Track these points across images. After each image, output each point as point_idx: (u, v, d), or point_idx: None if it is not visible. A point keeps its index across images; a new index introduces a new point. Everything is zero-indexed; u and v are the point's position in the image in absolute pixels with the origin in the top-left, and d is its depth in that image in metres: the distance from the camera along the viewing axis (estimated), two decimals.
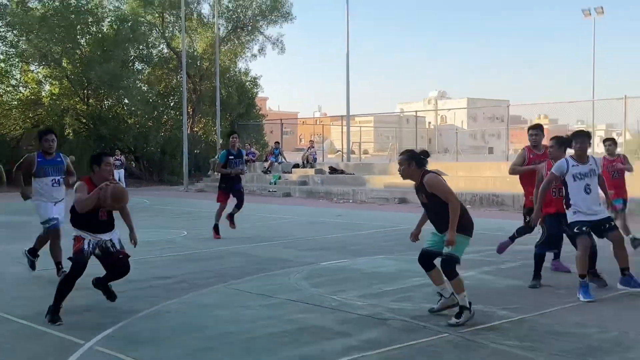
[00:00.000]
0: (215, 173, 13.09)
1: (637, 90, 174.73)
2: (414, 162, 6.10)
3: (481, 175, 21.70)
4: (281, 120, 37.19)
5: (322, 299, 6.95)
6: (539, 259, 7.58)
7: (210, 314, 6.46)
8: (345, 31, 31.76)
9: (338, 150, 41.18)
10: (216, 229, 12.09)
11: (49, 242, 8.16)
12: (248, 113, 39.05)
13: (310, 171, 28.23)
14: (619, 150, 13.10)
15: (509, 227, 13.71)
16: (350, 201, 22.48)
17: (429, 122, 70.18)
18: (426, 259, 6.22)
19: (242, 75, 40.44)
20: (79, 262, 6.19)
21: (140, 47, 36.49)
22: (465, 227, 5.99)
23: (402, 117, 63.06)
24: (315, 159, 30.48)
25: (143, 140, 35.42)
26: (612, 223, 7.05)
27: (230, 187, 12.13)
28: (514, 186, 20.00)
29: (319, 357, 5.06)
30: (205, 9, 39.45)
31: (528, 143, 8.77)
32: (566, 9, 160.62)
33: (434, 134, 58.40)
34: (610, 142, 10.55)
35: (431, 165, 22.62)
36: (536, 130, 8.69)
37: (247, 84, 40.15)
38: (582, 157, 7.00)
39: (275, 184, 27.39)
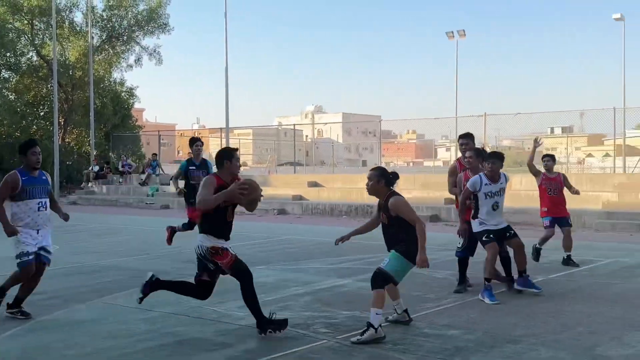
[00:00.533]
0: (171, 184, 11.18)
1: (495, 107, 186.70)
2: (383, 180, 6.09)
3: (356, 187, 22.35)
4: (158, 131, 36.45)
5: (201, 311, 6.92)
6: (460, 263, 8.01)
7: (86, 330, 6.26)
8: (224, 44, 31.69)
9: None
10: (172, 232, 10.90)
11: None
12: (124, 124, 37.88)
13: None
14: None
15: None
16: None
17: (306, 135, 71.16)
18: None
19: (118, 85, 39.18)
20: (247, 270, 5.94)
21: (8, 54, 34.60)
22: (413, 257, 5.93)
23: (280, 130, 63.60)
24: None
25: (10, 151, 33.43)
26: (513, 231, 7.67)
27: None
28: None
29: None
30: (78, 17, 37.69)
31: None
32: (431, 31, 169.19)
33: (311, 147, 59.37)
34: (548, 159, 10.16)
35: (308, 177, 23.08)
36: (466, 139, 8.43)
37: (123, 94, 38.95)
38: (494, 177, 7.53)
39: (152, 196, 26.76)
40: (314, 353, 5.43)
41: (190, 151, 11.48)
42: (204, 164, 10.92)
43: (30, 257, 6.58)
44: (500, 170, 7.62)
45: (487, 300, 7.17)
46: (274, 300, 7.49)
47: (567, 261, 9.71)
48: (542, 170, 10.06)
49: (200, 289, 6.14)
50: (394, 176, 6.20)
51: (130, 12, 37.06)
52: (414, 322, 6.35)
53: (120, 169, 31.88)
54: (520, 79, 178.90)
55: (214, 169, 7.42)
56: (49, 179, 6.97)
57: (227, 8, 31.46)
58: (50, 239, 6.85)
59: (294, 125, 34.51)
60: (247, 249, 12.28)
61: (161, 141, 35.11)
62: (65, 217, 7.02)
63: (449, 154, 52.77)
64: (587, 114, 26.93)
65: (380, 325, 5.70)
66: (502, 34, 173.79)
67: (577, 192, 10.02)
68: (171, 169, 34.62)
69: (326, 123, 68.08)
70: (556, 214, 9.84)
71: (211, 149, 57.27)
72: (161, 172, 30.25)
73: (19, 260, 6.58)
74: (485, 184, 7.48)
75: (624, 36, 32.68)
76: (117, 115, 37.11)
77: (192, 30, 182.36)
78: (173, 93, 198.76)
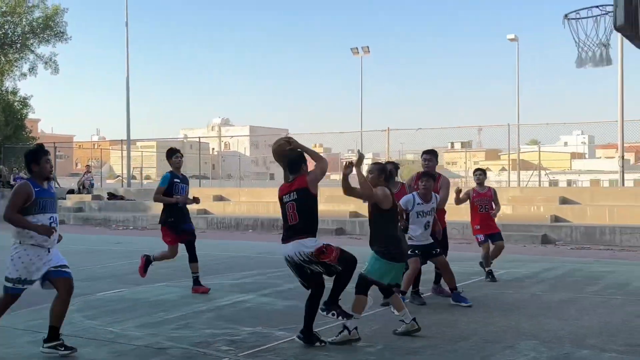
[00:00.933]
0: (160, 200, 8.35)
1: (397, 123, 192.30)
2: (383, 175, 6.33)
3: (262, 200, 22.26)
4: (54, 143, 34.87)
5: (96, 332, 6.63)
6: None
7: None
8: (125, 55, 30.87)
9: (118, 176, 39.59)
10: (148, 262, 9.05)
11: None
12: (16, 135, 36.01)
13: (86, 197, 26.84)
14: None
15: None
16: (131, 228, 21.73)
17: (213, 148, 70.44)
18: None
19: (10, 94, 37.28)
20: (353, 257, 5.98)
21: None
22: (394, 256, 6.08)
23: (186, 142, 62.56)
24: (92, 185, 29.10)
25: None
26: (438, 250, 7.82)
27: (177, 224, 8.95)
28: None
29: None
30: None
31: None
32: (337, 46, 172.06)
33: (218, 160, 58.77)
34: (480, 172, 9.86)
35: (214, 190, 22.73)
36: (430, 155, 8.39)
37: (16, 104, 37.09)
38: (426, 196, 7.63)
39: None
40: None
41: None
42: (185, 178, 9.51)
43: (26, 287, 5.72)
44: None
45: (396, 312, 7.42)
46: (175, 317, 7.28)
47: (491, 277, 9.64)
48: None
49: (321, 288, 6.05)
50: (393, 172, 7.04)
51: (24, 19, 35.43)
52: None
53: (12, 182, 30.27)
54: (422, 95, 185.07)
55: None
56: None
57: (129, 19, 30.72)
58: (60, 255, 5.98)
59: (199, 137, 33.98)
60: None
61: (57, 153, 33.63)
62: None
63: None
64: (484, 129, 28.09)
65: (355, 328, 5.97)
66: (405, 51, 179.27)
67: (495, 215, 9.78)
68: (68, 183, 33.28)
69: (233, 136, 67.64)
70: (488, 230, 9.63)
71: (112, 161, 55.59)
72: (57, 185, 28.98)
73: (10, 285, 5.67)
74: (418, 203, 7.59)
75: (518, 56, 34.48)
76: (9, 126, 35.26)
77: (93, 40, 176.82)
78: (71, 103, 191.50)
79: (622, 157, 21.06)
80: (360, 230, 18.01)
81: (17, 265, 5.64)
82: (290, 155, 6.25)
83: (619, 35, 5.33)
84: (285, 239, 6.03)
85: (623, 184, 21.07)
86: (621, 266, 11.54)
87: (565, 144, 60.32)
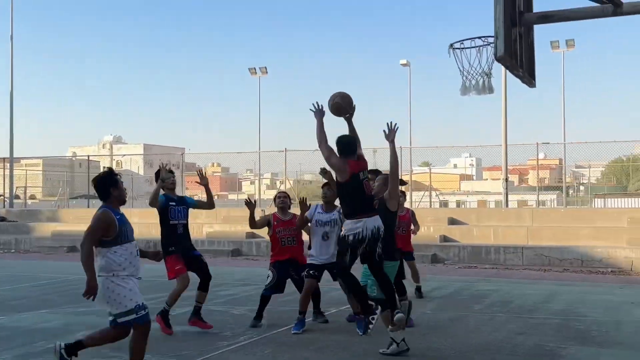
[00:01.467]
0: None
1: (295, 143, 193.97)
2: (385, 188, 6.73)
3: (155, 222, 21.65)
4: None
5: None
6: (263, 300, 7.94)
7: None
8: (9, 68, 29.34)
9: (0, 195, 37.40)
10: (165, 317, 7.85)
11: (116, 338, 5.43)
12: None
13: None
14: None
15: None
16: (13, 251, 20.55)
17: (104, 167, 68.03)
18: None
19: None
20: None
21: None
22: (389, 252, 6.59)
23: (74, 160, 60.06)
24: None
25: None
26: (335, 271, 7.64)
27: (182, 250, 8.17)
28: None
29: None
30: None
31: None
32: (235, 67, 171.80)
33: None
34: (401, 194, 9.76)
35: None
36: (375, 174, 8.11)
37: None
38: (328, 205, 7.70)
39: None
40: None
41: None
42: (181, 199, 8.63)
43: (147, 309, 5.27)
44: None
45: (293, 331, 7.46)
46: None
47: (419, 293, 10.08)
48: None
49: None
50: (402, 183, 7.55)
51: None
52: None
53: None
54: None
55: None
56: None
57: (14, 32, 29.28)
58: None
59: (89, 156, 32.77)
60: (28, 291, 11.29)
61: None
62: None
63: (253, 187, 53.41)
64: (379, 151, 28.79)
65: (403, 340, 6.31)
66: (302, 72, 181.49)
67: (415, 232, 10.09)
68: None
69: (125, 154, 65.66)
70: (404, 249, 9.50)
71: None
72: None
73: (134, 316, 5.16)
74: (318, 212, 7.71)
75: (410, 80, 35.74)
76: None
77: None
78: None
79: (506, 179, 22.20)
80: (257, 251, 17.91)
81: (121, 296, 5.14)
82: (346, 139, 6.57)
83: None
84: (371, 212, 6.28)
85: (507, 205, 22.19)
86: (505, 284, 12.09)
87: (455, 165, 62.88)
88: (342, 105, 6.51)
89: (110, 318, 5.25)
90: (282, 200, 8.08)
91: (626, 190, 42.51)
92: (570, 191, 38.92)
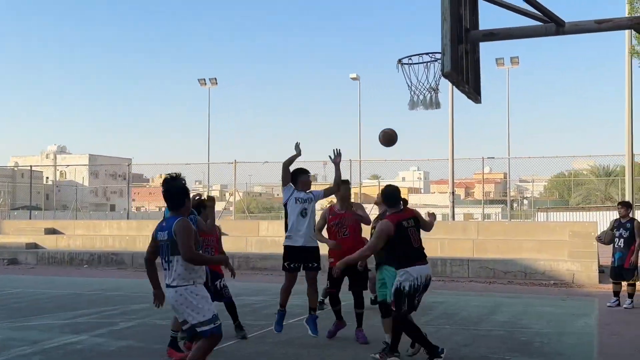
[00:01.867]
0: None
1: (244, 155, 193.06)
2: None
3: (100, 234, 21.23)
4: None
5: None
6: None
7: None
8: None
9: None
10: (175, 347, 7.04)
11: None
12: None
13: None
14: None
15: (126, 286, 13.66)
16: None
17: (47, 177, 66.33)
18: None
19: None
20: None
21: None
22: (402, 263, 6.47)
23: (16, 170, 58.37)
24: None
25: None
26: (315, 264, 7.47)
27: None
28: (133, 245, 20.13)
29: None
30: None
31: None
32: (184, 77, 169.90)
33: (52, 190, 55.37)
34: None
35: (46, 223, 21.27)
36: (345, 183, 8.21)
37: None
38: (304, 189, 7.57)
39: None
40: None
41: None
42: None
43: (219, 320, 5.12)
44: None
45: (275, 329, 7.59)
46: None
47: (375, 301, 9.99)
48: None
49: None
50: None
51: None
52: None
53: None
54: (270, 128, 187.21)
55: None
56: None
57: None
58: None
59: (31, 166, 31.83)
60: None
61: None
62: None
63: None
64: (329, 164, 28.92)
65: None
66: (251, 83, 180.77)
67: None
68: None
69: (69, 165, 64.11)
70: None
71: None
72: None
73: (212, 326, 5.02)
74: (295, 191, 7.49)
75: (360, 94, 36.05)
76: None
77: None
78: None
79: (453, 192, 22.55)
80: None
81: (200, 304, 5.02)
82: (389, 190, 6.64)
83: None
84: (421, 259, 6.43)
85: (454, 218, 22.52)
86: (451, 297, 12.25)
87: (403, 179, 63.66)
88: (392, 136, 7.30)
89: (185, 326, 5.17)
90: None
91: (568, 205, 43.79)
92: (515, 205, 39.81)
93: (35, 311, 10.15)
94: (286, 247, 7.51)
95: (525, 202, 46.96)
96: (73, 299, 11.58)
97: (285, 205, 7.56)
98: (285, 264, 7.49)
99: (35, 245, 20.67)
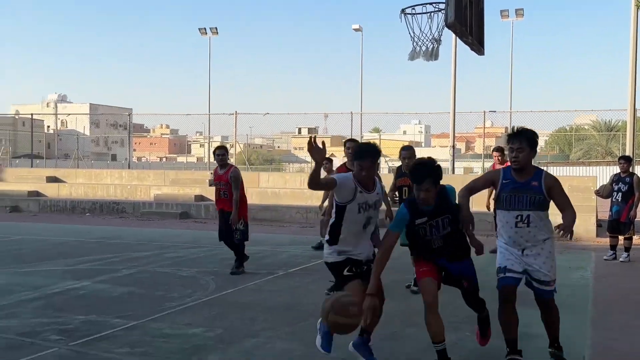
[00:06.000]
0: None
1: (246, 107, 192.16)
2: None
3: (101, 183, 21.30)
4: None
5: None
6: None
7: None
8: None
9: None
10: None
11: None
12: None
13: None
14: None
15: (127, 234, 13.80)
16: None
17: (48, 126, 66.14)
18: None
19: None
20: None
21: None
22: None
23: (17, 119, 58.14)
24: None
25: None
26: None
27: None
28: (134, 194, 20.23)
29: None
30: None
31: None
32: (184, 27, 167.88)
33: (54, 139, 55.30)
34: (326, 161, 10.50)
35: (48, 171, 21.36)
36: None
37: None
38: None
39: None
40: None
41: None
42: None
43: None
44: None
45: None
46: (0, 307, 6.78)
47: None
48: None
49: None
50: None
51: None
52: (151, 323, 6.19)
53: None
54: (271, 80, 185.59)
55: None
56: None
57: None
58: None
59: (32, 114, 31.70)
60: None
61: None
62: None
63: (203, 150, 52.91)
64: (330, 116, 28.84)
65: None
66: (252, 33, 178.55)
67: None
68: None
69: (70, 114, 63.83)
70: None
71: None
72: None
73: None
74: (360, 192, 4.72)
75: (362, 45, 35.66)
76: None
77: None
78: None
79: (454, 146, 22.53)
80: (206, 214, 17.81)
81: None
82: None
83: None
84: None
85: (454, 172, 22.56)
86: None
87: (404, 132, 63.47)
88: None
89: (547, 288, 5.27)
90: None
91: (568, 160, 43.76)
92: None
93: (38, 258, 10.28)
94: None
95: None
96: (75, 246, 11.72)
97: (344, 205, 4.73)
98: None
99: (37, 194, 20.78)
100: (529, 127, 5.17)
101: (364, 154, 4.70)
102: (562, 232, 4.91)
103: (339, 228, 4.74)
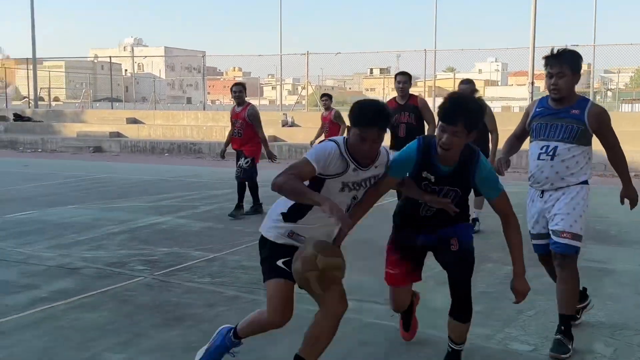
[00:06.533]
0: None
1: (317, 47, 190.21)
2: None
3: (178, 124, 21.84)
4: None
5: (5, 253, 6.44)
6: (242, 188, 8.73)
7: None
8: None
9: (25, 97, 37.60)
10: None
11: None
12: None
13: None
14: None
15: (205, 173, 14.17)
16: (40, 150, 20.92)
17: (125, 70, 67.76)
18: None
19: None
20: None
21: None
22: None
23: (96, 63, 59.83)
24: None
25: None
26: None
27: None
28: (210, 135, 20.65)
29: (4, 313, 4.71)
30: None
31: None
32: None
33: (131, 82, 56.72)
34: (325, 98, 11.15)
35: (127, 113, 22.00)
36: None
37: None
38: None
39: None
40: (129, 290, 5.28)
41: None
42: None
43: None
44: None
45: None
46: (87, 239, 7.15)
47: None
48: None
49: None
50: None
51: None
52: (229, 256, 6.39)
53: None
54: (342, 19, 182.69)
55: None
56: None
57: None
58: None
59: (110, 57, 32.54)
60: (57, 188, 11.59)
61: None
62: None
63: (275, 93, 53.15)
64: (403, 55, 28.26)
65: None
66: None
67: None
68: None
69: (146, 56, 65.13)
70: None
71: (18, 81, 52.68)
72: None
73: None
74: (354, 169, 3.36)
75: None
76: None
77: None
78: None
79: (532, 83, 21.74)
80: (279, 154, 18.00)
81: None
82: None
83: None
84: None
85: None
86: (526, 188, 12.10)
87: (480, 71, 61.72)
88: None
89: (560, 241, 4.20)
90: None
91: None
92: (598, 97, 38.14)
93: (122, 194, 10.72)
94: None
95: (609, 94, 44.84)
96: (156, 185, 12.14)
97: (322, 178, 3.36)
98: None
99: (118, 134, 21.52)
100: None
101: (369, 120, 3.12)
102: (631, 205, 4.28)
103: (307, 205, 3.27)
